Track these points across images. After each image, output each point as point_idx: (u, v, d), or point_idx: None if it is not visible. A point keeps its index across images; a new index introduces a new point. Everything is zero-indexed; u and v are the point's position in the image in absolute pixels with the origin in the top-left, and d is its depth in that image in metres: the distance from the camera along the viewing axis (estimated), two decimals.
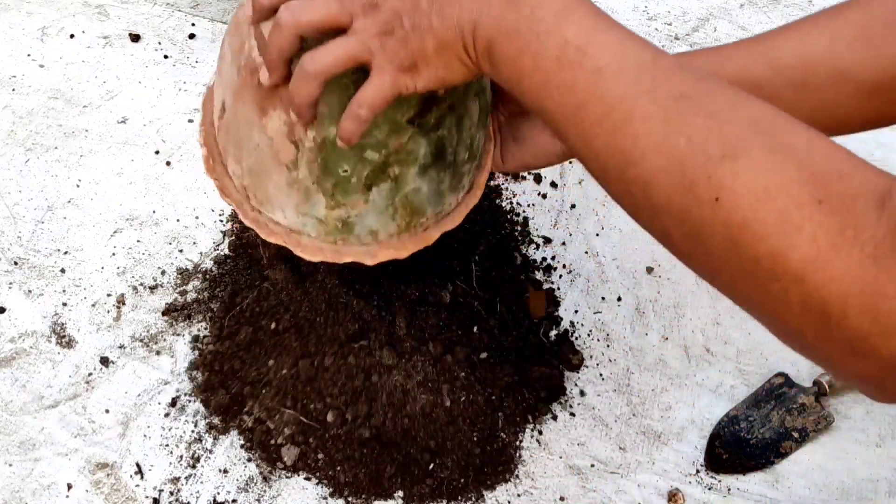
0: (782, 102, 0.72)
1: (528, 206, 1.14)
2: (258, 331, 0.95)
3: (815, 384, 0.97)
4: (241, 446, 0.91)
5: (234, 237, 1.06)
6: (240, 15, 0.71)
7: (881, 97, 0.73)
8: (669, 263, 1.09)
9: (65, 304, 1.02)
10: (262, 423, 0.91)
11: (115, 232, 1.09)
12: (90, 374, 0.96)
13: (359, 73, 0.63)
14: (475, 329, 0.95)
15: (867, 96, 0.73)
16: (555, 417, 0.95)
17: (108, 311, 1.01)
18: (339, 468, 0.89)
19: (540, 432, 0.94)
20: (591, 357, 1.00)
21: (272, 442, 0.90)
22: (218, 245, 1.07)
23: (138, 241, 1.08)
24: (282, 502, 0.88)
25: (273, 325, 0.94)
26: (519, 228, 1.11)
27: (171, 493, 0.89)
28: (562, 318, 1.03)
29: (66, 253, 1.06)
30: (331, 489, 0.89)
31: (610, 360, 1.00)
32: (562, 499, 0.90)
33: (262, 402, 0.92)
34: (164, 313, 1.01)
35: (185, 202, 1.12)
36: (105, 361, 0.97)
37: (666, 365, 1.00)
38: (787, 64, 0.73)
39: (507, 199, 1.14)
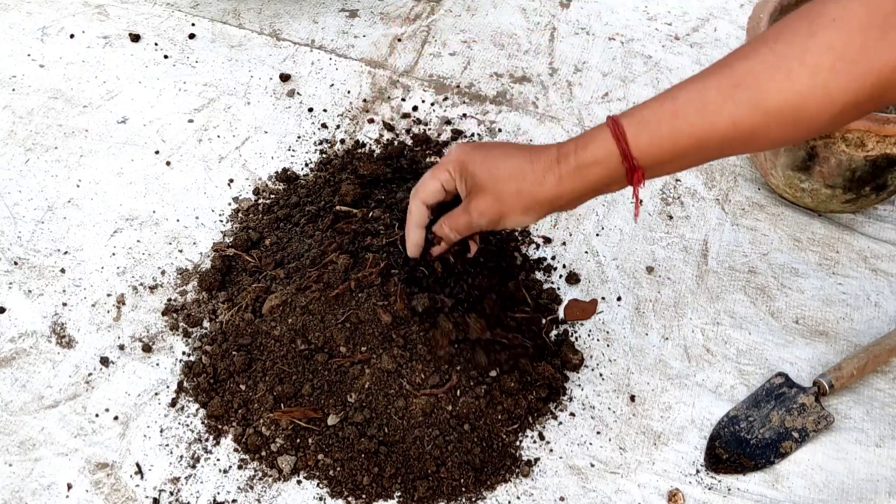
0: (776, 138, 0.77)
1: None
2: (257, 333, 0.95)
3: (815, 384, 0.97)
4: (235, 450, 0.91)
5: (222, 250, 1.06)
6: None
7: (865, 108, 0.74)
8: (669, 263, 1.09)
9: (65, 304, 1.02)
10: (256, 429, 0.91)
11: (115, 232, 1.09)
12: (90, 374, 0.96)
13: None
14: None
15: (853, 110, 0.74)
16: (555, 417, 0.95)
17: (108, 311, 1.01)
18: (338, 469, 0.89)
19: (540, 433, 0.94)
20: (591, 357, 1.00)
21: (268, 448, 0.90)
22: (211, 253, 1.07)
23: (138, 241, 1.08)
24: (282, 502, 0.88)
25: (273, 328, 0.94)
26: (519, 228, 1.11)
27: (171, 493, 0.89)
28: (563, 318, 1.03)
29: (66, 253, 1.06)
30: (330, 489, 0.89)
31: (610, 360, 1.00)
32: (562, 499, 0.90)
33: (259, 407, 0.92)
34: (163, 313, 1.01)
35: (185, 202, 1.12)
36: (105, 361, 0.97)
37: (666, 365, 1.00)
38: (777, 107, 0.74)
39: None
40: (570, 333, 1.02)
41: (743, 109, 0.74)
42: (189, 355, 0.98)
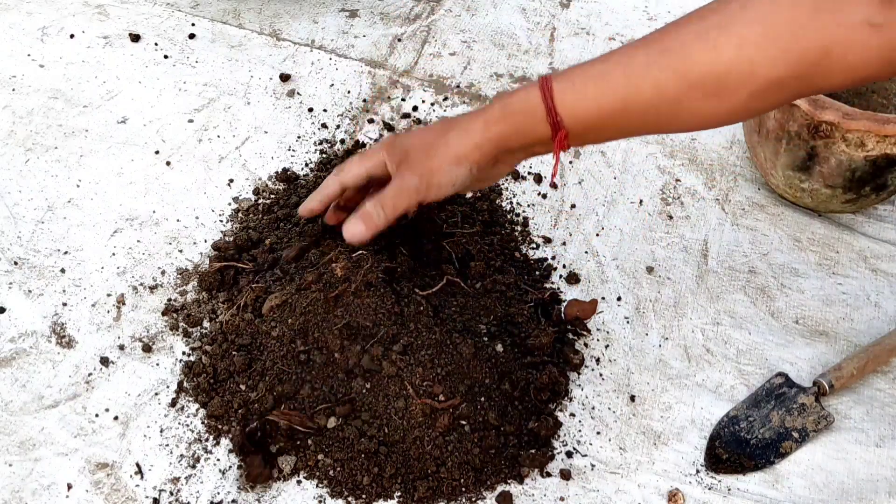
0: (700, 112, 0.77)
1: (528, 206, 1.14)
2: (257, 333, 0.95)
3: (815, 384, 0.97)
4: (230, 451, 0.91)
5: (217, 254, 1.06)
6: None
7: (789, 89, 0.74)
8: (669, 263, 1.09)
9: (65, 304, 1.02)
10: (256, 429, 0.91)
11: (115, 232, 1.09)
12: (90, 374, 0.96)
13: None
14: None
15: (776, 88, 0.74)
16: (555, 418, 0.95)
17: (108, 311, 1.01)
18: (338, 469, 0.89)
19: (540, 433, 0.94)
20: (591, 357, 1.00)
21: (269, 449, 0.90)
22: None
23: (138, 241, 1.08)
24: (282, 502, 0.88)
25: (273, 328, 0.94)
26: (519, 228, 1.11)
27: (171, 493, 0.89)
28: (562, 318, 1.03)
29: (66, 253, 1.06)
30: (330, 489, 0.89)
31: (610, 360, 1.00)
32: (562, 499, 0.90)
33: (259, 407, 0.92)
34: (163, 313, 1.01)
35: (185, 202, 1.12)
36: (105, 361, 0.97)
37: (666, 365, 1.00)
38: (700, 75, 0.74)
39: (507, 199, 1.14)
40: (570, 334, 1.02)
41: (667, 75, 0.74)
42: (189, 355, 0.98)
